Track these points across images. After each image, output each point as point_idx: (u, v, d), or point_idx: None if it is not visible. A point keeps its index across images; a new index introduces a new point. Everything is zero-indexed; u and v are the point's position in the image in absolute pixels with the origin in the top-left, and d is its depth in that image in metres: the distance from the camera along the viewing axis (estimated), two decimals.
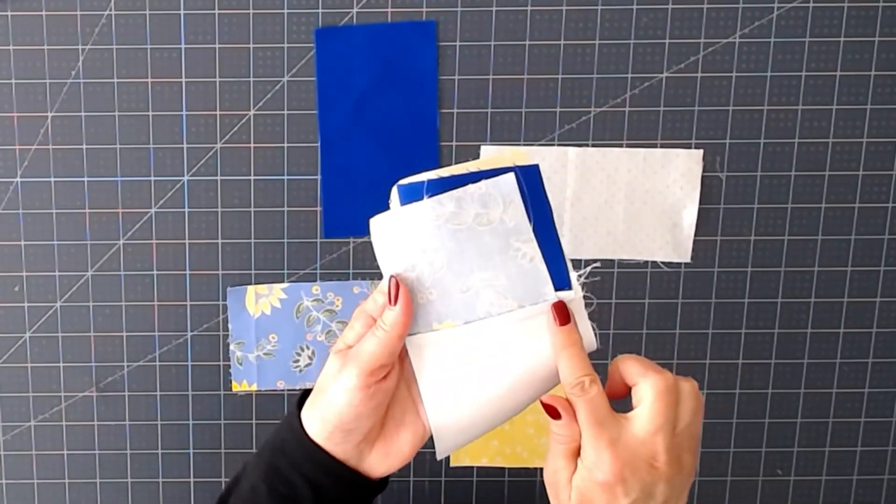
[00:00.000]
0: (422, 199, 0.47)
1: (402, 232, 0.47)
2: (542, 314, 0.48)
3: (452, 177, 0.47)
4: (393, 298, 0.47)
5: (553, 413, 0.47)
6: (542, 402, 0.48)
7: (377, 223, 0.48)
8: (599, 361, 0.74)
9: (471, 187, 0.47)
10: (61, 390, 0.73)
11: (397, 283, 0.47)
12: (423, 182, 0.47)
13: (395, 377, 0.49)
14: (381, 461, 0.50)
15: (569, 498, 0.47)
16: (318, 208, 0.71)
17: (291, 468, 0.48)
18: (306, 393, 0.51)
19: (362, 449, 0.49)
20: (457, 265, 0.47)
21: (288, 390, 0.73)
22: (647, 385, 0.47)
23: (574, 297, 0.49)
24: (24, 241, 0.71)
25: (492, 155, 0.48)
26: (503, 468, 0.74)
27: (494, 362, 0.49)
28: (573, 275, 0.49)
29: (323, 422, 0.48)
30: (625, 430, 0.46)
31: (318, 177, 0.70)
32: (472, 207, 0.47)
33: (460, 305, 0.48)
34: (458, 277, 0.48)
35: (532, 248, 0.48)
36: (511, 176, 0.47)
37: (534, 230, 0.48)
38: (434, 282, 0.47)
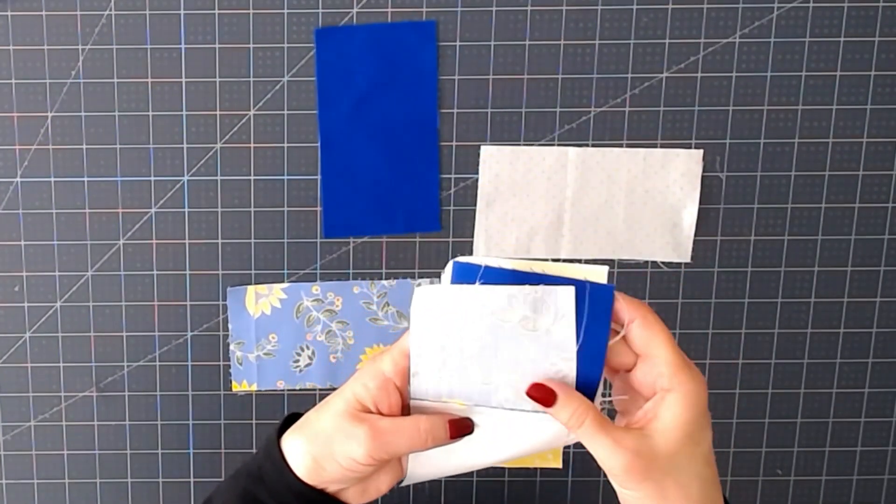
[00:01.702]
0: (474, 282, 0.45)
1: (444, 309, 0.46)
2: (552, 423, 0.47)
3: (513, 271, 0.46)
4: (457, 432, 0.46)
5: (548, 397, 0.45)
6: (535, 386, 0.45)
7: (422, 293, 0.46)
8: None
9: (526, 288, 0.45)
10: (61, 390, 0.73)
11: (470, 426, 0.46)
12: (480, 266, 0.46)
13: None
14: (357, 496, 0.50)
15: (673, 455, 0.43)
16: (318, 208, 0.71)
17: (270, 497, 0.48)
18: (286, 421, 0.51)
19: (343, 485, 0.49)
20: (487, 359, 0.46)
21: (288, 390, 0.73)
22: (651, 325, 0.45)
23: None
24: (24, 241, 0.71)
25: (565, 265, 0.47)
26: (503, 468, 0.74)
27: (491, 441, 0.48)
28: (598, 400, 0.47)
29: (319, 470, 0.47)
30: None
31: (318, 177, 0.70)
32: (521, 308, 0.45)
33: (476, 391, 0.47)
34: (484, 370, 0.46)
35: (569, 368, 0.46)
36: (571, 290, 0.45)
37: (579, 351, 0.45)
38: (459, 366, 0.46)
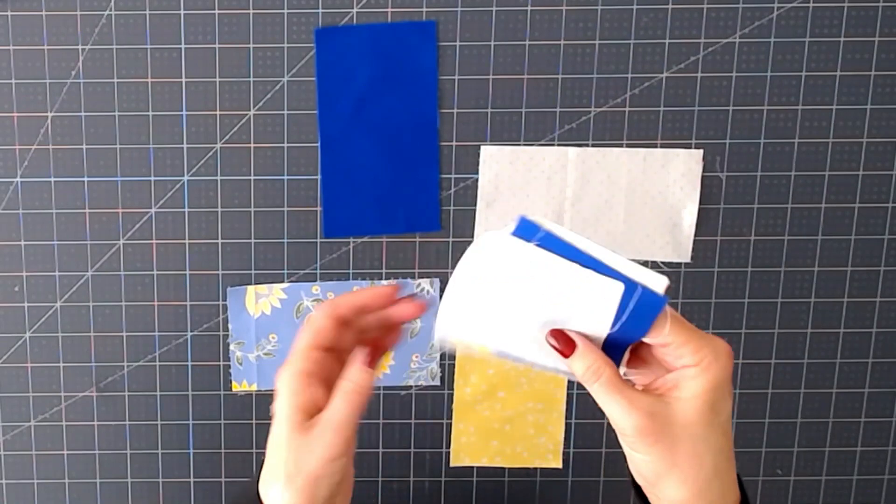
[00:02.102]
0: (531, 241, 0.45)
1: (496, 256, 0.45)
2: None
3: (572, 247, 0.45)
4: (373, 362, 0.47)
5: (565, 345, 0.44)
6: (550, 341, 0.44)
7: (486, 238, 0.46)
8: None
9: (576, 268, 0.44)
10: (61, 390, 0.73)
11: (384, 344, 0.47)
12: (542, 229, 0.45)
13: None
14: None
15: (691, 424, 0.42)
16: (318, 208, 0.71)
17: None
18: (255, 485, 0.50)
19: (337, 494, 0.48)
20: (518, 315, 0.45)
21: None
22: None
23: None
24: (24, 241, 0.71)
25: (626, 260, 0.46)
26: (503, 468, 0.74)
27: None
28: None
29: (313, 498, 0.46)
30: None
31: (318, 177, 0.70)
32: (560, 286, 0.44)
33: (501, 339, 0.46)
34: (514, 323, 0.45)
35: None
36: (619, 286, 0.44)
37: (604, 344, 0.45)
38: (490, 312, 0.45)
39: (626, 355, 0.45)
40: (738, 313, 0.73)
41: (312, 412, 0.47)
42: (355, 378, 0.47)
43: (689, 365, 0.43)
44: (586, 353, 0.44)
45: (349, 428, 0.47)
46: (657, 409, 0.42)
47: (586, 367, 0.43)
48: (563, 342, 0.44)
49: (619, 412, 0.43)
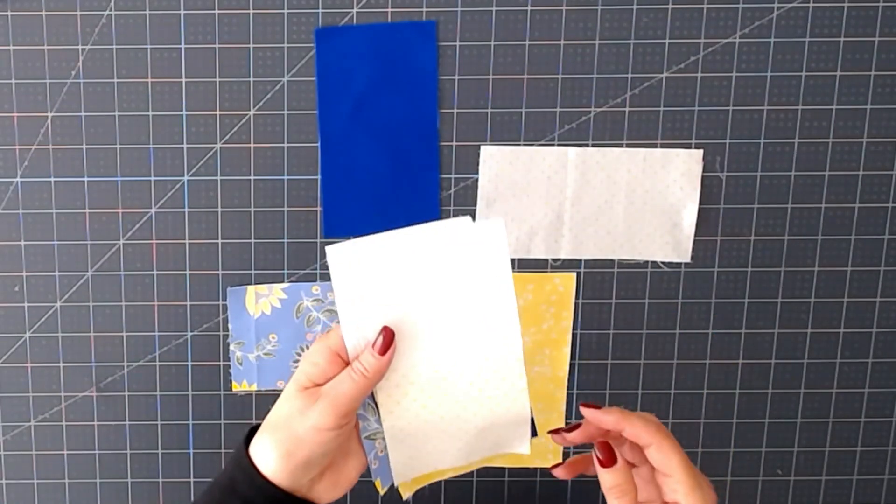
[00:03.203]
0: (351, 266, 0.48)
1: (360, 260, 0.48)
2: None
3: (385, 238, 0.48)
4: (383, 348, 0.48)
5: (607, 458, 0.48)
6: (597, 444, 0.49)
7: (334, 250, 0.48)
8: (600, 362, 0.74)
9: (427, 225, 0.48)
10: (61, 390, 0.73)
11: (391, 335, 0.48)
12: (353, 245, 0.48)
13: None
14: (329, 490, 0.52)
15: None
16: (318, 208, 0.71)
17: None
18: (252, 431, 0.52)
19: (314, 479, 0.51)
20: (414, 307, 0.48)
21: None
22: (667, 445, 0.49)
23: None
24: (24, 241, 0.71)
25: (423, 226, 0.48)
26: (503, 468, 0.74)
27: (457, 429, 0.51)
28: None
29: (288, 457, 0.49)
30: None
31: (318, 177, 0.70)
32: (435, 244, 0.47)
33: (417, 359, 0.49)
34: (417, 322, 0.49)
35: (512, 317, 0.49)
36: (467, 220, 0.47)
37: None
38: (388, 315, 0.49)
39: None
40: (738, 313, 0.73)
41: (321, 382, 0.50)
42: (364, 360, 0.49)
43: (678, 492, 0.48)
44: (622, 471, 0.48)
45: (346, 405, 0.48)
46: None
47: (616, 483, 0.48)
48: (606, 455, 0.49)
49: None
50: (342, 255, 0.48)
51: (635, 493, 0.48)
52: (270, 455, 0.49)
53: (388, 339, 0.48)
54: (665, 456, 0.49)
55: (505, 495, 0.74)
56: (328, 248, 0.48)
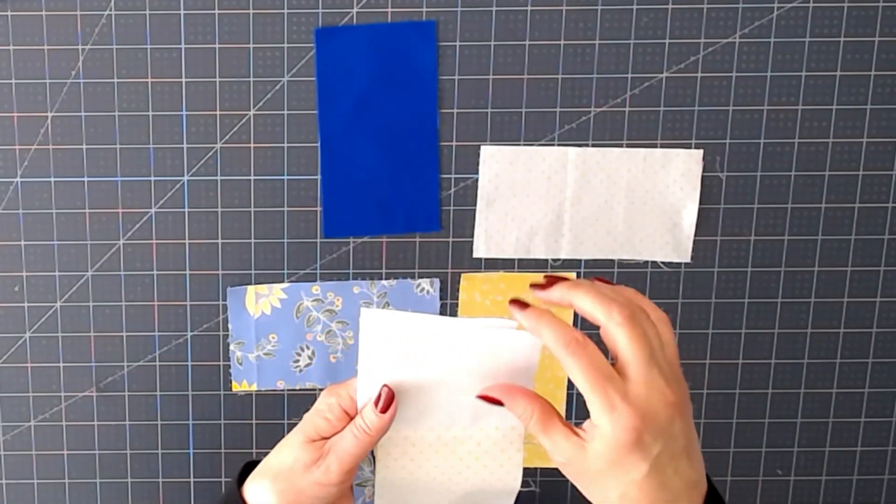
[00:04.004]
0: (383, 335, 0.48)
1: (393, 332, 0.48)
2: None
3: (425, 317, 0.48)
4: (384, 406, 0.48)
5: (494, 400, 0.47)
6: (480, 397, 0.47)
7: (370, 315, 0.48)
8: None
9: (479, 321, 0.48)
10: (61, 390, 0.73)
11: (391, 393, 0.48)
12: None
13: None
14: None
15: (601, 474, 0.43)
16: (318, 208, 0.71)
17: None
18: (246, 468, 0.53)
19: None
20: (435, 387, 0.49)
21: (288, 390, 0.73)
22: (614, 327, 0.43)
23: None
24: (24, 241, 0.71)
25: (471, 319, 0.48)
26: None
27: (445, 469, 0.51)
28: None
29: None
30: (626, 378, 0.43)
31: (318, 177, 0.70)
32: (471, 347, 0.48)
33: (426, 417, 0.50)
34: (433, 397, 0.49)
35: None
36: (532, 337, 0.46)
37: None
38: (411, 391, 0.49)
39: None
40: (738, 313, 0.73)
41: (328, 436, 0.50)
42: (367, 417, 0.49)
43: (595, 424, 0.43)
44: (514, 401, 0.46)
45: (350, 462, 0.49)
46: (572, 456, 0.44)
47: (519, 414, 0.46)
48: (491, 400, 0.47)
49: (547, 449, 0.46)
50: (376, 320, 0.48)
51: (542, 406, 0.45)
52: (267, 499, 0.50)
53: (388, 397, 0.48)
54: (609, 343, 0.44)
55: None
56: (363, 311, 0.48)
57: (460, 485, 0.51)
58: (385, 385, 0.48)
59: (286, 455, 0.50)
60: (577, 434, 0.44)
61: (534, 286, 0.47)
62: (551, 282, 0.46)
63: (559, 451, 0.44)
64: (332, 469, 0.49)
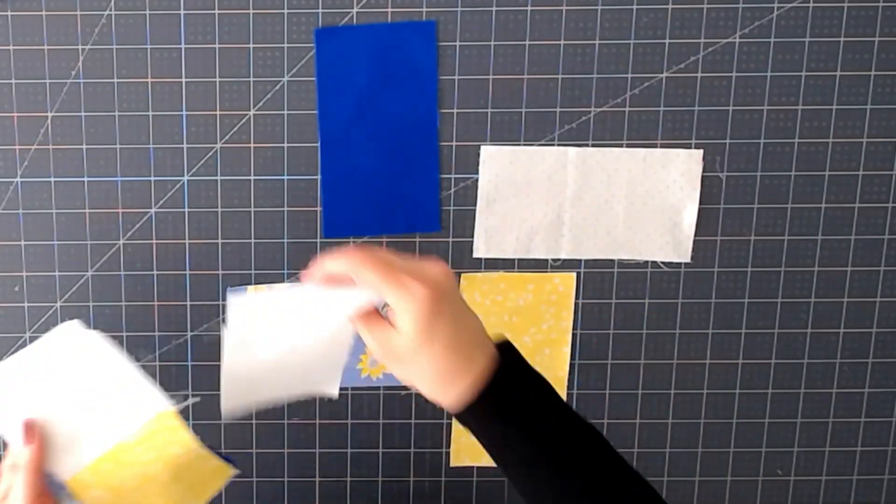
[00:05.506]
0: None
1: (258, 311, 0.51)
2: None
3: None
4: (28, 437, 0.53)
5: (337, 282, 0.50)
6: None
7: (236, 298, 0.50)
8: (600, 362, 0.74)
9: (313, 290, 0.50)
10: None
11: (31, 424, 0.54)
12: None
13: None
14: None
15: (415, 351, 0.49)
16: (318, 208, 0.71)
17: None
18: None
19: None
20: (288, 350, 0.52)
21: None
22: (359, 272, 0.49)
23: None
24: (24, 241, 0.71)
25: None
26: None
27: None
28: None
29: None
30: (405, 270, 0.49)
31: (318, 177, 0.70)
32: (308, 310, 0.51)
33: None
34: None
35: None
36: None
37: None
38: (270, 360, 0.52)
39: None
40: (738, 313, 0.73)
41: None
42: (14, 455, 0.54)
43: (396, 309, 0.48)
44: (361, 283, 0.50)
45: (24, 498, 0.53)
46: (390, 343, 0.49)
47: (361, 301, 0.50)
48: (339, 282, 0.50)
49: (373, 349, 0.50)
50: (242, 304, 0.51)
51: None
52: None
53: (28, 428, 0.54)
54: (361, 281, 0.48)
55: (505, 495, 0.74)
56: (230, 296, 0.50)
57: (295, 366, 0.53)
58: (24, 421, 0.54)
59: None
60: (390, 324, 0.49)
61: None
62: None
63: (380, 341, 0.50)
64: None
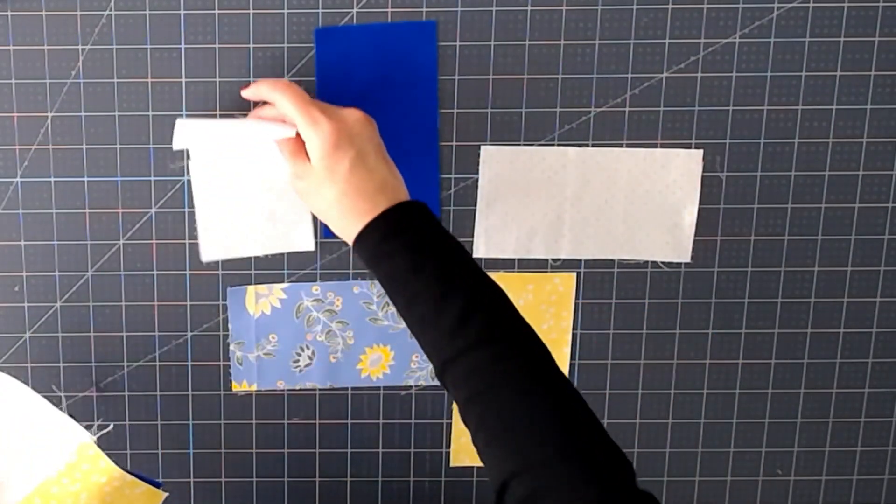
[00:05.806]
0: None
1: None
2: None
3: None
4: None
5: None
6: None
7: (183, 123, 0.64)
8: (600, 362, 0.74)
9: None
10: (61, 390, 0.73)
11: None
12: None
13: None
14: None
15: (320, 183, 0.58)
16: None
17: None
18: None
19: None
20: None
21: (288, 390, 0.73)
22: (284, 105, 0.60)
23: None
24: (24, 241, 0.71)
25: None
26: None
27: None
28: None
29: None
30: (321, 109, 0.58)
31: None
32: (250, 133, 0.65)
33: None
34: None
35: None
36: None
37: None
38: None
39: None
40: (738, 313, 0.73)
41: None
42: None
43: (307, 140, 0.58)
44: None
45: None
46: (301, 171, 0.60)
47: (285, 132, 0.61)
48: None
49: (290, 176, 0.62)
50: (186, 127, 0.63)
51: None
52: None
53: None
54: (282, 109, 0.59)
55: None
56: (177, 122, 0.63)
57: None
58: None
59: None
60: (304, 154, 0.59)
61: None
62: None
63: (297, 172, 0.60)
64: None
